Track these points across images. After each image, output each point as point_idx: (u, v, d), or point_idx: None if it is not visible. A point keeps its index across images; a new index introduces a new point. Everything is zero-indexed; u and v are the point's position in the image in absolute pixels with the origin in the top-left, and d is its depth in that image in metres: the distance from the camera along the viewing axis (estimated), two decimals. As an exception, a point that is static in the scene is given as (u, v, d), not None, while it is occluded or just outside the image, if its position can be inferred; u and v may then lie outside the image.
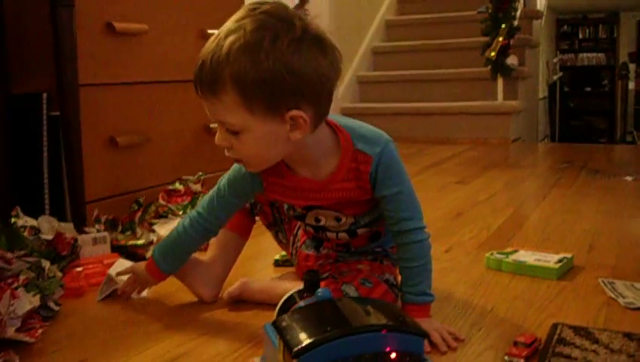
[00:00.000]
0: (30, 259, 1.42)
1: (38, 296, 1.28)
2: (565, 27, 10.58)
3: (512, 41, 4.10)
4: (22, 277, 1.30)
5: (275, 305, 1.09)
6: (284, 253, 1.59)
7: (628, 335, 1.13)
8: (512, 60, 4.11)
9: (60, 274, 1.45)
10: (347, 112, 4.28)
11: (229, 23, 1.06)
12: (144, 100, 2.11)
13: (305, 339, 0.70)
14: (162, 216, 1.94)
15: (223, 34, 1.05)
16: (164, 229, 1.84)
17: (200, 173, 2.13)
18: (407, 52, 4.93)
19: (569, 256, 1.56)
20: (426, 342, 1.05)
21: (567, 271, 1.52)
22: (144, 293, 1.44)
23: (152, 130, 2.13)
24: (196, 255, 1.40)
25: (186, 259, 1.36)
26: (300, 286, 0.94)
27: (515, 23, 4.15)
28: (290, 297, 0.91)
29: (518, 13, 4.27)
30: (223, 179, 1.30)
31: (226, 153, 1.13)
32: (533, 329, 1.20)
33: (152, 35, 2.11)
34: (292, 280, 1.39)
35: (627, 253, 1.68)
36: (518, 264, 1.53)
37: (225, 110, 1.05)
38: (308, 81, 1.03)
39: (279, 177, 1.21)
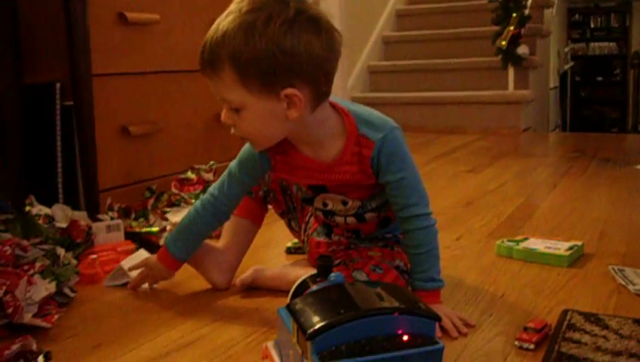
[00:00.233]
0: (45, 247, 1.44)
1: (53, 283, 1.30)
2: (577, 16, 10.50)
3: (522, 31, 4.09)
4: (38, 264, 1.32)
5: (288, 291, 1.10)
6: (296, 240, 1.60)
7: (638, 322, 1.14)
8: (522, 50, 4.10)
9: (74, 262, 1.47)
10: (357, 102, 4.27)
11: (231, 5, 1.11)
12: (156, 90, 2.13)
13: (318, 322, 0.71)
14: (175, 204, 1.96)
15: (224, 15, 1.10)
16: (177, 217, 1.86)
17: (212, 161, 2.15)
18: (418, 41, 4.92)
19: (579, 243, 1.57)
20: (437, 327, 1.06)
21: (577, 258, 1.53)
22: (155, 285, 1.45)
23: (164, 119, 2.14)
24: (209, 242, 1.42)
25: (199, 245, 1.37)
26: (312, 272, 0.95)
27: (526, 12, 4.13)
28: (304, 282, 0.92)
29: (529, 2, 4.24)
30: (234, 161, 1.32)
31: (232, 131, 1.17)
32: (543, 315, 1.21)
33: (164, 25, 2.12)
34: (304, 267, 1.40)
35: (637, 240, 1.69)
36: (529, 251, 1.54)
37: (225, 88, 1.10)
38: (300, 61, 1.06)
39: (286, 156, 1.24)
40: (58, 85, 1.85)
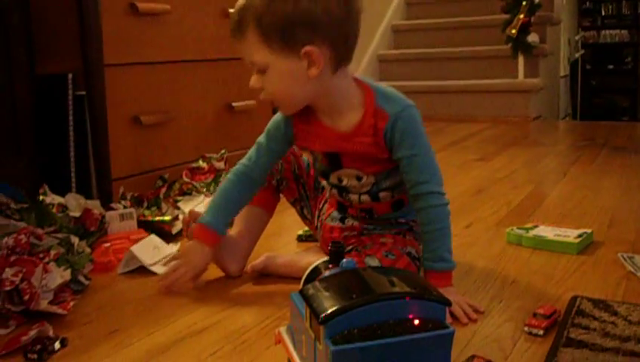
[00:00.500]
0: (59, 235, 1.46)
1: (68, 271, 1.32)
2: (587, 4, 10.42)
3: (533, 19, 4.07)
4: (52, 252, 1.34)
5: (299, 278, 1.12)
6: (307, 228, 1.61)
7: (647, 308, 1.15)
8: (532, 38, 4.08)
9: (88, 250, 1.48)
10: (367, 91, 4.27)
11: None
12: (167, 80, 2.14)
13: (331, 306, 0.72)
14: (186, 193, 1.98)
15: None
16: (189, 206, 1.88)
17: (223, 150, 2.16)
18: (428, 30, 4.91)
19: (589, 231, 1.57)
20: (447, 313, 1.08)
21: (586, 246, 1.54)
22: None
23: (175, 108, 2.16)
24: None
25: (234, 216, 1.40)
26: (324, 259, 0.97)
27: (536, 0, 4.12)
28: (316, 268, 0.94)
29: (540, -11, 4.23)
30: (262, 134, 1.39)
31: (261, 96, 1.25)
32: (552, 302, 1.22)
33: (175, 15, 2.14)
34: (315, 254, 1.42)
35: (647, 228, 1.69)
36: (538, 239, 1.55)
37: (251, 49, 1.19)
38: (318, 20, 1.15)
39: (307, 125, 1.30)
40: (70, 75, 1.87)
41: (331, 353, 0.70)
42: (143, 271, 1.48)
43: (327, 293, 0.76)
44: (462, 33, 4.71)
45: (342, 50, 1.20)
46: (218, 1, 2.34)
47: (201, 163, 2.10)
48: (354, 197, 1.35)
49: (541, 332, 1.07)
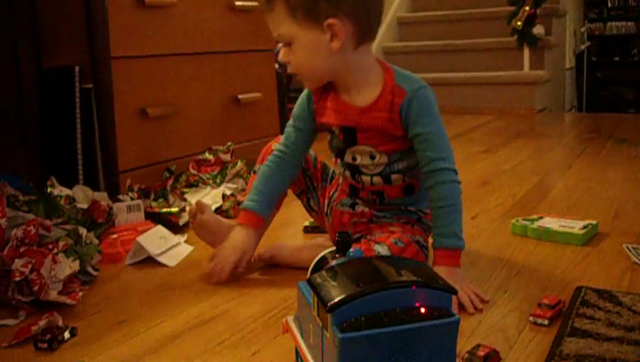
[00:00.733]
0: (67, 227, 1.47)
1: (77, 261, 1.33)
2: (593, -5, 10.37)
3: (538, 10, 4.07)
4: (61, 243, 1.35)
5: (306, 268, 1.13)
6: (312, 220, 1.62)
7: (651, 298, 1.16)
8: (538, 30, 4.08)
9: (96, 241, 1.49)
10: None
11: None
12: (173, 72, 2.15)
13: (338, 295, 0.73)
14: (193, 185, 1.99)
15: None
16: (196, 197, 1.89)
17: (229, 143, 2.17)
18: (433, 22, 4.90)
19: (594, 222, 1.58)
20: (454, 302, 1.09)
21: (591, 237, 1.54)
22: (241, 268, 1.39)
23: (181, 101, 2.17)
24: (228, 222, 1.44)
25: (276, 199, 1.43)
26: (331, 249, 0.98)
27: (542, -9, 4.12)
28: (323, 258, 0.95)
29: (545, -19, 4.22)
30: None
31: (288, 70, 1.31)
32: (557, 292, 1.23)
33: (181, 8, 2.14)
34: (322, 244, 1.43)
35: (652, 219, 1.70)
36: (543, 230, 1.55)
37: (278, 21, 1.27)
38: None
39: (326, 101, 1.36)
40: (77, 68, 1.88)
41: (339, 340, 0.71)
42: (150, 261, 1.49)
43: (334, 282, 0.76)
44: (467, 25, 4.71)
45: (364, 25, 1.26)
46: (224, -7, 2.34)
47: (207, 155, 2.11)
48: (366, 178, 1.37)
49: (546, 322, 1.08)
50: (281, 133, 2.69)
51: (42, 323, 1.12)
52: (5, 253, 1.25)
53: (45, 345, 1.07)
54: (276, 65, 2.80)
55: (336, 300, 0.72)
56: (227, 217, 1.84)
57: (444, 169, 1.26)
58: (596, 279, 1.29)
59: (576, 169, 2.38)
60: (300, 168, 1.46)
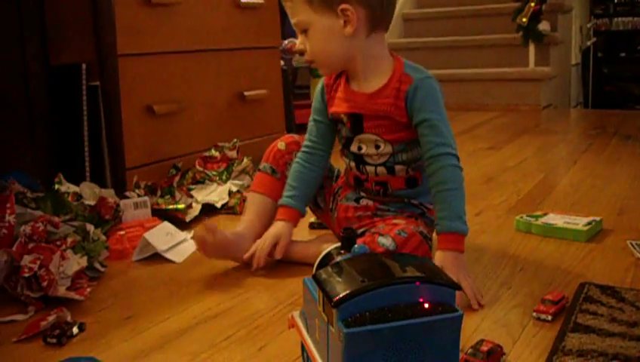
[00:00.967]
0: (75, 223, 1.49)
1: (85, 258, 1.35)
2: (600, -9, 10.33)
3: (544, 7, 4.06)
4: (69, 240, 1.37)
5: (311, 264, 1.14)
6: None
7: (654, 294, 1.16)
8: (543, 26, 4.08)
9: (104, 237, 1.51)
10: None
11: None
12: (180, 69, 2.16)
13: (343, 290, 0.74)
14: (199, 181, 2.00)
15: None
16: (202, 194, 1.90)
17: (235, 139, 2.18)
18: (438, 18, 4.90)
19: (598, 219, 1.58)
20: (458, 296, 1.10)
21: (595, 233, 1.55)
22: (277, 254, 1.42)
23: (187, 98, 2.18)
24: (231, 232, 1.45)
25: (310, 193, 1.49)
26: (336, 245, 0.99)
27: (548, -13, 4.11)
28: (328, 254, 0.96)
29: (551, -23, 4.22)
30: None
31: (304, 59, 1.38)
32: (561, 288, 1.23)
33: (187, 5, 2.15)
34: (327, 240, 1.44)
35: (657, 216, 1.70)
36: (548, 226, 1.56)
37: (296, 8, 1.33)
38: None
39: (336, 92, 1.42)
40: (84, 66, 1.89)
41: (344, 335, 0.72)
42: (157, 258, 1.50)
43: (339, 278, 0.78)
44: (472, 22, 4.71)
45: (377, 13, 1.31)
46: (229, -9, 2.35)
47: (213, 152, 2.12)
48: (370, 168, 1.40)
49: (549, 317, 1.09)
50: (287, 129, 2.73)
51: (51, 318, 1.13)
52: (14, 249, 1.27)
53: (54, 340, 1.08)
54: (281, 62, 2.81)
55: (342, 295, 0.74)
56: (233, 214, 1.85)
57: (447, 154, 1.28)
58: (600, 275, 1.30)
59: (581, 165, 2.39)
60: (329, 158, 1.50)
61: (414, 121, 1.31)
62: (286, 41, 3.10)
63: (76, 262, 1.31)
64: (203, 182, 2.00)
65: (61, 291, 1.24)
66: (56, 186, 1.72)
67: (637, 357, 0.93)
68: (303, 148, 1.49)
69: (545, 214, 1.64)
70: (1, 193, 1.47)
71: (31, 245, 1.29)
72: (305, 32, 1.34)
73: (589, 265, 1.36)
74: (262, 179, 1.52)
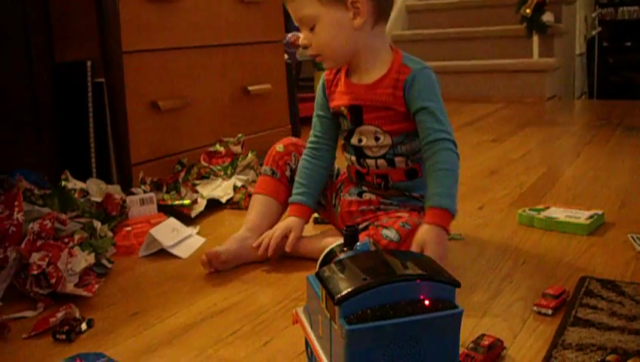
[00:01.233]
0: (82, 220, 1.51)
1: (92, 254, 1.37)
2: (604, -20, 10.28)
3: (547, -2, 4.06)
4: (76, 237, 1.39)
5: (316, 259, 1.16)
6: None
7: (654, 288, 1.18)
8: (547, 17, 4.07)
9: (110, 234, 1.53)
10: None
11: None
12: (184, 65, 2.17)
13: (346, 288, 0.76)
14: (204, 177, 2.02)
15: None
16: (207, 189, 1.92)
17: (240, 134, 2.19)
18: (442, 10, 4.90)
19: (600, 212, 1.59)
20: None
21: (597, 227, 1.56)
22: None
23: (192, 93, 2.19)
24: (233, 236, 1.47)
25: (319, 188, 1.51)
26: (340, 240, 1.00)
27: (551, -22, 4.11)
28: (331, 251, 0.97)
29: (555, -32, 4.21)
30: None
31: (308, 52, 1.38)
32: (562, 282, 1.25)
33: (191, 1, 2.16)
34: (331, 236, 1.46)
35: (659, 208, 1.71)
36: (550, 220, 1.57)
37: (302, 4, 1.34)
38: None
39: (337, 86, 1.45)
40: (89, 63, 1.91)
41: (346, 332, 0.74)
42: (163, 253, 1.52)
43: (342, 275, 0.79)
44: (476, 13, 4.70)
45: (383, 4, 1.36)
46: (233, -14, 2.36)
47: (218, 147, 2.14)
48: (371, 161, 1.42)
49: (550, 311, 1.10)
50: (291, 122, 2.74)
51: (60, 315, 1.15)
52: (23, 246, 1.29)
53: (63, 337, 1.10)
54: (285, 56, 2.82)
55: (344, 293, 0.75)
56: (238, 209, 1.87)
57: (445, 139, 1.32)
58: (601, 269, 1.31)
59: (585, 158, 2.39)
60: (335, 152, 1.53)
61: (412, 109, 1.34)
62: (289, 35, 3.10)
63: (84, 259, 1.33)
64: (208, 178, 2.01)
65: (69, 288, 1.25)
66: (63, 183, 1.74)
67: (635, 351, 0.95)
68: (308, 145, 1.51)
69: (547, 208, 1.65)
70: (9, 191, 1.48)
71: (39, 242, 1.31)
72: (310, 27, 1.35)
73: (591, 259, 1.37)
74: (264, 181, 1.55)
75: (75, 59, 1.93)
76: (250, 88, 2.45)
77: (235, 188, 1.94)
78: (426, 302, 0.77)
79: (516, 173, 2.19)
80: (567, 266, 1.34)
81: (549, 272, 1.31)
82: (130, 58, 1.94)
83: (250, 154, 2.11)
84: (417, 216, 1.37)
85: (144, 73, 2.01)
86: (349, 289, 0.76)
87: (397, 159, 1.41)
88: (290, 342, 1.06)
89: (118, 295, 1.32)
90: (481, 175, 2.18)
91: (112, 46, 1.89)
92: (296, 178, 1.50)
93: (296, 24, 1.40)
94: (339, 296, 0.75)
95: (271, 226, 1.47)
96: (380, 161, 1.41)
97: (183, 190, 1.87)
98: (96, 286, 1.31)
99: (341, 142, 1.50)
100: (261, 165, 1.60)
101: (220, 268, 1.40)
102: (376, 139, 1.40)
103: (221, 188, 1.96)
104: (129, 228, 1.59)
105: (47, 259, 1.26)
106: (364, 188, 1.47)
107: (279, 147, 1.57)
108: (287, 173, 1.53)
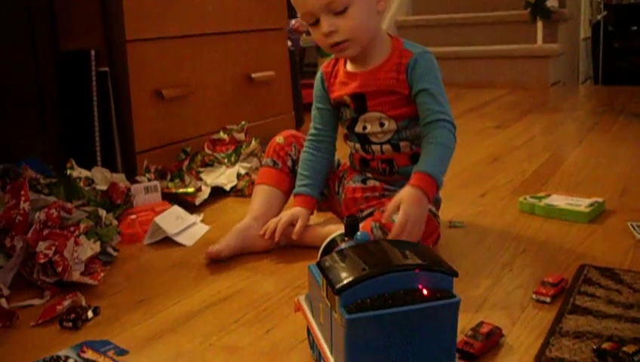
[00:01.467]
0: (87, 209, 1.52)
1: (98, 243, 1.39)
2: (610, -37, 10.20)
3: (552, -17, 4.05)
4: (82, 226, 1.40)
5: (318, 247, 1.17)
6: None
7: (652, 275, 1.19)
8: (551, 2, 4.06)
9: (116, 222, 1.55)
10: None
11: None
12: (187, 53, 2.18)
13: (346, 277, 0.77)
14: (208, 164, 2.03)
15: None
16: (211, 177, 1.94)
17: (243, 122, 2.20)
18: (447, -5, 4.88)
19: (600, 200, 1.60)
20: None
21: (598, 214, 1.57)
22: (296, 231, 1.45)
23: (195, 81, 2.21)
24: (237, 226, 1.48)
25: (322, 179, 1.53)
26: (340, 231, 1.02)
27: (556, -37, 4.09)
28: (332, 240, 0.99)
29: (559, -48, 4.19)
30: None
31: (331, 40, 1.35)
32: (561, 270, 1.26)
33: (194, -10, 2.17)
34: (334, 223, 1.48)
35: (659, 196, 1.72)
36: (551, 208, 1.58)
37: None
38: None
39: (336, 78, 1.47)
40: (93, 52, 1.92)
41: (346, 321, 0.76)
42: (168, 241, 1.54)
43: (342, 265, 0.81)
44: (481, -2, 4.69)
45: None
46: (236, -26, 2.36)
47: (222, 134, 2.15)
48: (376, 147, 1.44)
49: (548, 299, 1.12)
50: (295, 109, 2.75)
51: (66, 303, 1.17)
52: (29, 236, 1.30)
53: (70, 324, 1.12)
54: (289, 43, 2.82)
55: (344, 283, 0.77)
56: (242, 196, 1.89)
57: (444, 120, 1.34)
58: (600, 257, 1.33)
59: (587, 144, 2.40)
60: (335, 143, 1.54)
61: (414, 90, 1.37)
62: (293, 21, 3.10)
63: (89, 248, 1.35)
64: (212, 165, 2.03)
65: (75, 276, 1.27)
66: (69, 172, 1.75)
67: (631, 339, 0.96)
68: (309, 137, 1.53)
69: (548, 195, 1.67)
70: (15, 180, 1.50)
71: (45, 231, 1.32)
72: (340, 11, 1.33)
73: (590, 247, 1.39)
74: (265, 172, 1.57)
75: (79, 48, 1.95)
76: (253, 75, 2.46)
77: (238, 175, 1.96)
78: (424, 292, 0.79)
79: (519, 159, 2.20)
80: (567, 254, 1.35)
81: (549, 260, 1.33)
82: (133, 47, 1.95)
83: (253, 142, 2.12)
84: None
85: (148, 62, 2.03)
86: (349, 279, 0.77)
87: (402, 144, 1.43)
88: (292, 330, 1.08)
89: (123, 283, 1.34)
90: (483, 162, 2.19)
91: (116, 35, 1.90)
92: (299, 170, 1.51)
93: (314, 13, 1.35)
94: (339, 285, 0.77)
95: (275, 215, 1.48)
96: (386, 147, 1.43)
97: (187, 178, 1.89)
98: (102, 274, 1.33)
99: (343, 131, 1.51)
100: (260, 166, 1.61)
101: (224, 260, 1.42)
102: (381, 125, 1.42)
103: (225, 176, 1.97)
104: (134, 217, 1.61)
105: (53, 248, 1.28)
106: (368, 175, 1.49)
107: (279, 139, 1.58)
108: (289, 163, 1.55)
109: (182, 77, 2.16)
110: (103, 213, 1.53)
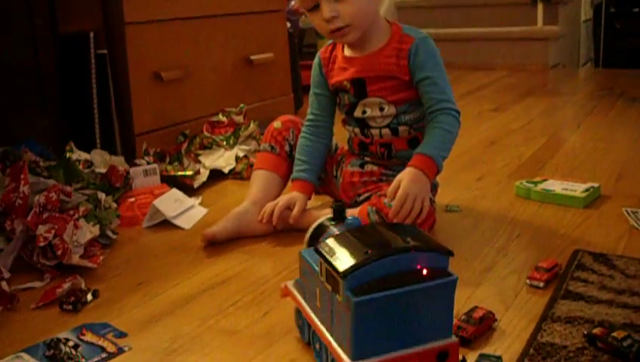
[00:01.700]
0: (87, 192, 1.53)
1: (97, 226, 1.40)
2: (612, -57, 10.12)
3: (552, -36, 4.03)
4: (81, 209, 1.41)
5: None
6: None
7: (645, 261, 1.20)
8: (552, -16, 4.04)
9: (115, 205, 1.56)
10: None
11: None
12: (186, 35, 2.18)
13: (350, 261, 0.79)
14: (207, 147, 2.04)
15: None
16: (209, 160, 1.95)
17: (242, 104, 2.21)
18: (446, -24, 4.86)
19: (596, 185, 1.61)
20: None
21: (593, 200, 1.58)
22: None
23: (194, 64, 2.21)
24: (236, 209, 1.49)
25: (320, 164, 1.53)
26: (328, 216, 1.04)
27: (557, -56, 4.07)
28: (321, 224, 1.01)
29: None
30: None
31: (332, 26, 1.36)
32: (556, 255, 1.28)
33: (193, -28, 2.17)
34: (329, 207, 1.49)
35: (655, 181, 1.73)
36: (546, 193, 1.59)
37: None
38: None
39: (335, 63, 1.48)
40: (92, 34, 1.92)
41: (353, 303, 0.77)
42: (166, 224, 1.55)
43: (343, 250, 0.83)
44: (481, -21, 4.66)
45: None
46: (235, -44, 2.36)
47: (220, 117, 2.16)
48: (375, 131, 1.46)
49: (542, 284, 1.13)
50: (293, 91, 2.75)
51: (66, 286, 1.19)
52: (29, 219, 1.32)
53: (70, 307, 1.14)
54: (288, 24, 2.82)
55: (348, 267, 0.79)
56: (240, 179, 1.90)
57: (449, 108, 1.37)
58: (594, 242, 1.34)
59: (585, 128, 2.40)
60: (332, 128, 1.55)
61: (416, 78, 1.38)
62: (292, 2, 3.10)
63: (89, 231, 1.36)
64: (210, 148, 2.04)
65: (75, 259, 1.29)
66: (68, 154, 1.76)
67: (621, 324, 0.98)
68: (306, 122, 1.54)
69: (544, 180, 1.68)
70: (15, 163, 1.51)
71: (45, 215, 1.33)
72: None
73: (585, 232, 1.40)
74: (263, 157, 1.58)
75: (78, 30, 1.95)
76: (252, 58, 2.46)
77: (237, 158, 1.97)
78: (424, 272, 0.81)
79: (516, 143, 2.21)
80: (561, 239, 1.37)
81: (544, 245, 1.34)
82: (132, 29, 1.95)
83: (252, 124, 2.12)
84: None
85: (147, 44, 2.03)
86: (354, 263, 0.79)
87: (400, 128, 1.44)
88: (289, 313, 1.09)
89: (122, 266, 1.35)
90: (481, 145, 2.20)
91: (115, 17, 1.89)
92: (297, 155, 1.52)
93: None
94: (343, 269, 0.79)
95: (273, 200, 1.49)
96: (385, 131, 1.45)
97: (185, 161, 1.90)
98: (101, 257, 1.34)
99: (341, 116, 1.52)
100: (258, 151, 1.62)
101: (220, 243, 1.43)
102: (381, 109, 1.43)
103: (223, 159, 1.98)
104: (133, 200, 1.62)
105: (53, 231, 1.29)
106: (367, 160, 1.50)
107: (277, 124, 1.59)
108: (287, 148, 1.56)
109: (181, 59, 2.16)
110: (102, 196, 1.54)
